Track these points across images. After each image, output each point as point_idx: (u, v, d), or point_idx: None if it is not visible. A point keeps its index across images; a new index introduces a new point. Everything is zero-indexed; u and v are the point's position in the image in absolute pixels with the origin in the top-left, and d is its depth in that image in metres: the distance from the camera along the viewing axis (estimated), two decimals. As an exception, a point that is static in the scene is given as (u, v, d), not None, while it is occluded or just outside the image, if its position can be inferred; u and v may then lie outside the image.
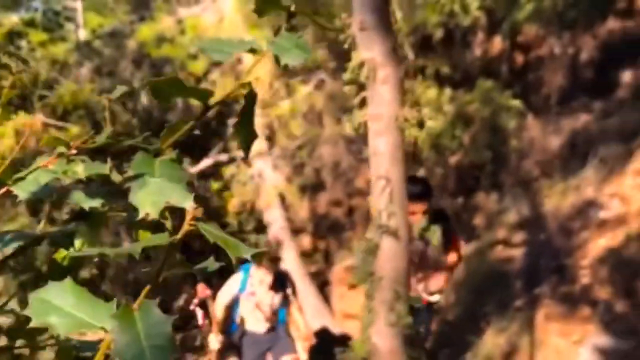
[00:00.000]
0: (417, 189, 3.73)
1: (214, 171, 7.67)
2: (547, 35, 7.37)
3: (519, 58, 8.39)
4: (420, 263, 3.93)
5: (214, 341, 4.57)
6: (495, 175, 6.92)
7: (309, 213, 8.39)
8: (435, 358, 5.53)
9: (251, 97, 0.84)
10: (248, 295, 4.64)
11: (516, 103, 5.85)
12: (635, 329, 4.39)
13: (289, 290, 4.64)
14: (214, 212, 9.71)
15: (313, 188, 8.00)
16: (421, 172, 6.61)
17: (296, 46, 0.82)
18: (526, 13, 5.34)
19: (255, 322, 4.72)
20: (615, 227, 5.19)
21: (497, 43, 8.37)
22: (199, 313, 4.53)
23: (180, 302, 13.50)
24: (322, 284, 8.54)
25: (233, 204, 6.40)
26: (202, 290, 4.50)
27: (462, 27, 7.47)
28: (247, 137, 0.86)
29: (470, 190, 7.23)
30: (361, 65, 2.72)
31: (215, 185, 6.98)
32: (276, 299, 4.58)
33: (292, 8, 0.83)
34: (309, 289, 7.47)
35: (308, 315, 7.28)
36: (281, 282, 4.59)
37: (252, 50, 0.82)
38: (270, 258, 4.40)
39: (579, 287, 5.00)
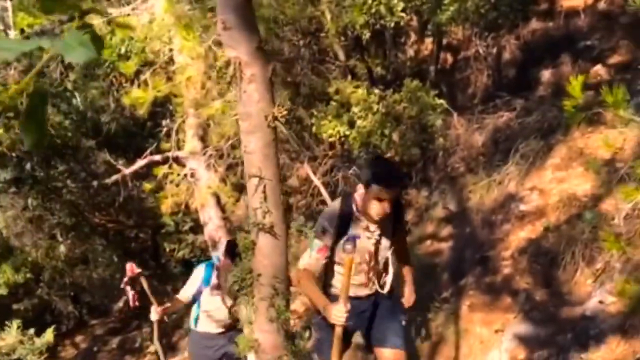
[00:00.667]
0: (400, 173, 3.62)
1: (149, 172, 7.63)
2: (473, 36, 7.64)
3: (448, 59, 8.66)
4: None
5: (154, 313, 4.65)
6: (425, 172, 7.14)
7: (245, 212, 8.43)
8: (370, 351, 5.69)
9: (40, 95, 0.83)
10: (212, 289, 4.83)
11: (441, 102, 6.05)
12: (553, 317, 4.62)
13: None
14: (149, 213, 9.65)
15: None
16: (353, 171, 6.78)
17: (81, 44, 0.81)
18: (449, 14, 5.53)
19: (209, 322, 4.86)
20: (535, 220, 5.45)
21: (429, 44, 8.62)
22: (130, 293, 4.56)
23: (120, 304, 13.31)
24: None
25: (167, 205, 6.39)
26: (131, 269, 4.55)
27: (396, 29, 7.68)
28: (34, 134, 0.83)
29: (403, 187, 7.43)
30: (227, 64, 2.76)
31: (148, 186, 6.94)
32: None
33: (84, 7, 0.83)
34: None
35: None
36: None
37: (41, 49, 0.82)
38: None
39: (501, 278, 5.23)
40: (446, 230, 6.35)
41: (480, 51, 7.55)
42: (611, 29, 7.10)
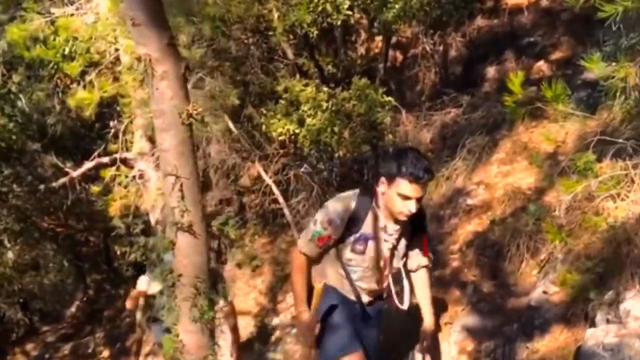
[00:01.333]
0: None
1: (97, 174, 7.51)
2: (420, 34, 7.76)
3: (398, 57, 8.76)
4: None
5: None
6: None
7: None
8: None
9: None
10: None
11: (390, 99, 6.12)
12: (499, 308, 4.72)
13: None
14: (99, 216, 9.49)
15: (201, 187, 7.98)
16: (304, 169, 6.80)
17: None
18: (395, 12, 5.60)
19: None
20: (482, 213, 5.56)
21: (379, 42, 8.70)
22: None
23: (73, 309, 13.04)
24: (214, 283, 8.54)
25: (115, 208, 6.29)
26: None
27: (346, 27, 7.73)
28: None
29: (356, 183, 7.48)
30: (139, 61, 2.72)
31: (96, 188, 6.83)
32: None
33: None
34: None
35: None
36: None
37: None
38: None
39: (449, 271, 5.31)
40: (397, 226, 6.42)
41: (428, 49, 7.67)
42: (553, 26, 7.30)
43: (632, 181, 3.97)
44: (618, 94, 4.20)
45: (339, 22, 5.56)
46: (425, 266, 3.60)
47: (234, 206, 8.79)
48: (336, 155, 6.60)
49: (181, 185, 2.77)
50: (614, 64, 3.66)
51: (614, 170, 4.10)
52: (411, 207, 2.96)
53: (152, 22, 2.70)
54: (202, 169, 7.29)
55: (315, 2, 5.45)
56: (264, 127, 6.12)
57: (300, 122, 5.98)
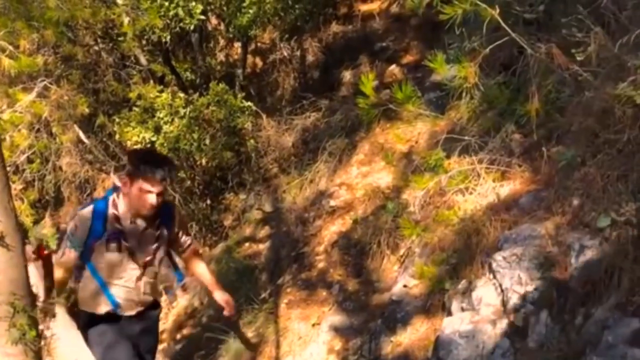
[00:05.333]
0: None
1: None
2: (278, 40, 7.81)
3: (257, 62, 8.76)
4: None
5: None
6: (240, 175, 7.14)
7: (51, 230, 7.85)
8: (191, 361, 5.55)
9: None
10: None
11: (249, 104, 6.09)
12: (365, 304, 4.83)
13: None
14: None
15: (53, 203, 7.52)
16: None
17: None
18: (249, 17, 5.57)
19: None
20: (344, 213, 5.67)
21: (239, 48, 8.65)
22: None
23: None
24: (75, 303, 8.06)
25: None
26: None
27: (204, 33, 7.58)
28: None
29: (220, 190, 7.36)
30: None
31: None
32: None
33: None
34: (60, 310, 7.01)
35: (62, 339, 6.82)
36: None
37: None
38: None
39: (316, 272, 5.36)
40: (263, 232, 6.40)
41: (286, 54, 7.74)
42: (403, 31, 7.62)
43: (479, 175, 4.21)
44: (464, 94, 4.47)
45: (192, 27, 5.43)
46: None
47: (92, 221, 8.33)
48: (198, 162, 6.45)
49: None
50: (457, 65, 3.86)
51: (462, 165, 4.33)
52: (154, 200, 3.27)
53: None
54: (53, 183, 6.85)
55: (167, 7, 5.29)
56: (117, 136, 5.85)
57: (157, 130, 5.79)
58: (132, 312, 3.51)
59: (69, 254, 3.38)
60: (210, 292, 3.85)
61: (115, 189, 3.43)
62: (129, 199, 3.32)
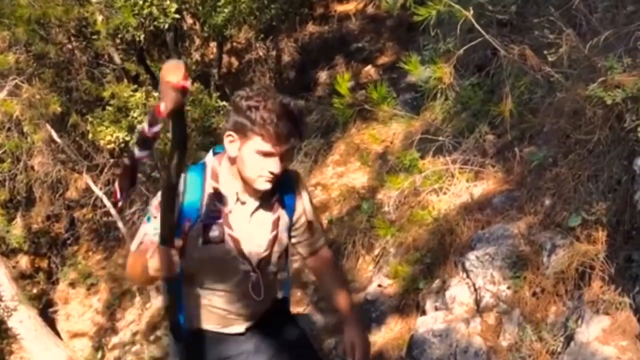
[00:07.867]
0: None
1: None
2: (253, 39, 7.79)
3: (233, 62, 8.73)
4: None
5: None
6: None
7: (23, 231, 7.75)
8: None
9: None
10: None
11: (224, 104, 6.06)
12: (339, 304, 4.83)
13: None
14: None
15: (25, 203, 7.41)
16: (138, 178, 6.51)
17: None
18: (224, 16, 5.54)
19: None
20: (320, 214, 5.67)
21: (214, 48, 8.62)
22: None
23: None
24: (46, 305, 7.97)
25: None
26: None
27: (179, 32, 7.53)
28: None
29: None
30: None
31: None
32: None
33: None
34: (30, 313, 6.95)
35: (30, 341, 6.74)
36: None
37: None
38: None
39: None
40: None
41: (262, 54, 7.72)
42: (379, 32, 7.65)
43: (452, 175, 4.24)
44: (438, 95, 4.50)
45: (166, 26, 5.38)
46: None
47: (64, 222, 8.25)
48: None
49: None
50: (432, 66, 3.89)
51: (436, 166, 4.35)
52: (276, 166, 2.12)
53: None
54: (24, 183, 6.75)
55: (140, 5, 5.24)
56: (90, 135, 5.78)
57: (131, 129, 5.73)
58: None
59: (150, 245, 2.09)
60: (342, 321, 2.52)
61: (215, 152, 2.27)
62: (237, 166, 2.15)
